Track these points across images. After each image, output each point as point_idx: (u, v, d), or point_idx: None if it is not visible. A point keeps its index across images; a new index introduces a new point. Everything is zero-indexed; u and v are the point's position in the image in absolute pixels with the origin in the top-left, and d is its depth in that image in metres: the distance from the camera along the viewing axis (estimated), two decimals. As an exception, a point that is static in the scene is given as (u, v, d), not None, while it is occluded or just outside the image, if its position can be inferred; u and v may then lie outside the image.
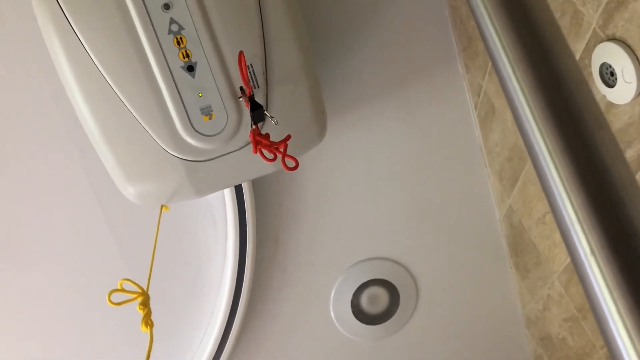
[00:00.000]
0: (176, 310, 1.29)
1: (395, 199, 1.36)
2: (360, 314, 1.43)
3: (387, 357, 1.49)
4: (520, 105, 0.38)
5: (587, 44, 0.79)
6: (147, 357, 0.74)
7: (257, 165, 0.89)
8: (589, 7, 0.77)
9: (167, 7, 0.79)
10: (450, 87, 1.30)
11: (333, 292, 1.40)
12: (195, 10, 0.80)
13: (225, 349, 1.31)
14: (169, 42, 0.80)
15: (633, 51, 0.71)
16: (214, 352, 1.29)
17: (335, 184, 1.33)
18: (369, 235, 1.38)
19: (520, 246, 1.31)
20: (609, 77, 0.77)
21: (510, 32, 0.40)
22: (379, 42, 1.23)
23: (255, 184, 1.23)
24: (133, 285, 0.80)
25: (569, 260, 1.07)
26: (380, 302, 1.43)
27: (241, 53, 0.78)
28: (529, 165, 1.11)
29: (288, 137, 0.77)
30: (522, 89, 0.38)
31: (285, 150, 0.76)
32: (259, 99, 0.83)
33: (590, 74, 0.80)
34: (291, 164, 0.75)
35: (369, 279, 1.41)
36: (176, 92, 0.82)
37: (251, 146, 0.79)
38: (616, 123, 0.79)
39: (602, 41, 0.76)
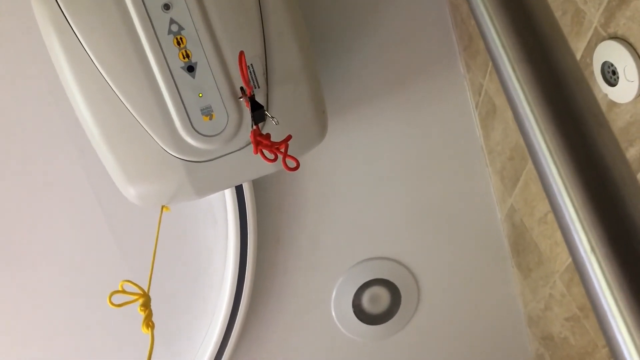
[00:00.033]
0: (177, 311, 1.29)
1: (396, 199, 1.36)
2: (361, 314, 1.43)
3: (389, 357, 1.49)
4: (521, 104, 0.38)
5: (588, 42, 0.79)
6: (149, 358, 0.74)
7: (258, 165, 0.89)
8: (590, 6, 0.77)
9: (167, 7, 0.79)
10: (451, 86, 1.30)
11: (334, 292, 1.40)
12: (195, 11, 0.80)
13: (226, 350, 1.31)
14: (169, 42, 0.80)
15: (635, 49, 0.70)
16: (215, 353, 1.29)
17: (336, 183, 1.32)
18: (370, 235, 1.38)
19: (521, 245, 1.31)
20: (610, 75, 0.76)
21: (510, 31, 0.40)
22: (379, 41, 1.23)
23: (256, 184, 1.23)
24: (134, 286, 0.80)
25: (570, 259, 1.07)
26: (381, 302, 1.43)
27: (242, 53, 0.77)
28: (530, 164, 1.10)
29: (289, 137, 0.77)
30: (522, 88, 0.38)
31: (286, 150, 0.76)
32: (260, 99, 0.83)
33: (592, 72, 0.80)
34: (292, 164, 0.75)
35: (370, 278, 1.41)
36: (176, 92, 0.82)
37: (251, 146, 0.79)
38: (618, 122, 0.79)
39: (603, 40, 0.76)
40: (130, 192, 0.89)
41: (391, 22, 1.22)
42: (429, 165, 1.35)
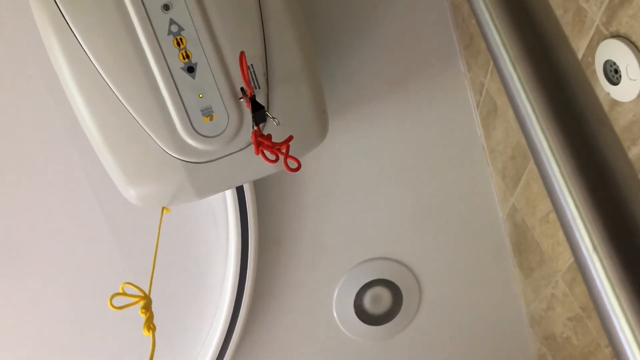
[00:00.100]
0: (178, 312, 1.29)
1: (397, 199, 1.36)
2: (363, 315, 1.43)
3: (391, 358, 1.48)
4: (522, 103, 0.38)
5: (590, 41, 0.79)
6: (150, 360, 0.74)
7: (259, 166, 0.89)
8: (592, 4, 0.77)
9: (166, 7, 0.79)
10: (452, 85, 1.29)
11: (336, 293, 1.40)
12: (195, 11, 0.79)
13: (227, 350, 1.30)
14: (168, 43, 0.80)
15: (637, 48, 0.70)
16: (217, 354, 1.29)
17: (337, 184, 1.32)
18: (371, 236, 1.38)
19: (523, 245, 1.30)
20: (613, 74, 0.76)
21: (511, 30, 0.39)
22: (379, 41, 1.23)
23: (257, 184, 1.22)
24: (135, 288, 0.80)
25: (573, 259, 1.06)
26: (383, 303, 1.43)
27: (242, 54, 0.77)
28: (532, 163, 1.10)
29: (290, 137, 0.77)
30: (523, 87, 0.38)
31: (287, 151, 0.75)
32: (260, 99, 0.83)
33: (594, 71, 0.79)
34: (293, 165, 0.74)
35: (372, 279, 1.41)
36: (176, 93, 0.81)
37: (252, 147, 0.79)
38: (621, 121, 0.78)
39: (605, 38, 0.75)
40: (130, 193, 0.89)
41: (392, 22, 1.22)
42: (429, 165, 1.35)
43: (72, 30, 0.78)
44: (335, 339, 1.44)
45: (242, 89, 0.82)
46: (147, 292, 0.81)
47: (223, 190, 1.00)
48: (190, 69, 0.81)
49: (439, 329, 1.48)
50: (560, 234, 1.09)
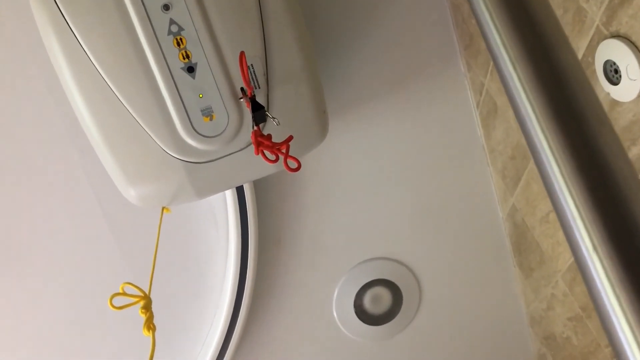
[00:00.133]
0: (178, 312, 1.29)
1: (397, 199, 1.36)
2: (363, 315, 1.42)
3: (391, 358, 1.48)
4: (522, 103, 0.38)
5: (590, 41, 0.79)
6: (150, 360, 0.74)
7: (259, 166, 0.89)
8: (592, 4, 0.76)
9: (166, 7, 0.79)
10: (452, 85, 1.29)
11: (336, 293, 1.40)
12: (195, 11, 0.79)
13: (227, 351, 1.30)
14: (168, 43, 0.80)
15: (638, 48, 0.70)
16: (217, 354, 1.29)
17: (337, 184, 1.32)
18: (371, 236, 1.38)
19: (523, 245, 1.30)
20: (613, 74, 0.76)
21: (511, 30, 0.39)
22: (379, 41, 1.23)
23: (257, 184, 1.22)
24: (135, 288, 0.80)
25: (573, 259, 1.06)
26: (383, 303, 1.43)
27: (242, 54, 0.77)
28: (532, 163, 1.10)
29: (290, 137, 0.77)
30: (523, 87, 0.38)
31: (287, 151, 0.75)
32: (260, 99, 0.83)
33: (594, 71, 0.79)
34: (293, 165, 0.74)
35: (372, 279, 1.41)
36: (176, 93, 0.81)
37: (252, 147, 0.79)
38: (620, 121, 0.78)
39: (605, 38, 0.75)
40: (130, 193, 0.89)
41: (392, 22, 1.22)
42: (429, 165, 1.35)
43: (72, 30, 0.78)
44: (335, 339, 1.44)
45: (242, 89, 0.82)
46: (147, 292, 0.81)
47: (223, 190, 1.00)
48: (190, 69, 0.81)
49: (439, 328, 1.48)
50: (560, 234, 1.09)
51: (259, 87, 0.84)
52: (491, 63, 1.12)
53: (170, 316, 1.28)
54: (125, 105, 0.81)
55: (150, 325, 0.76)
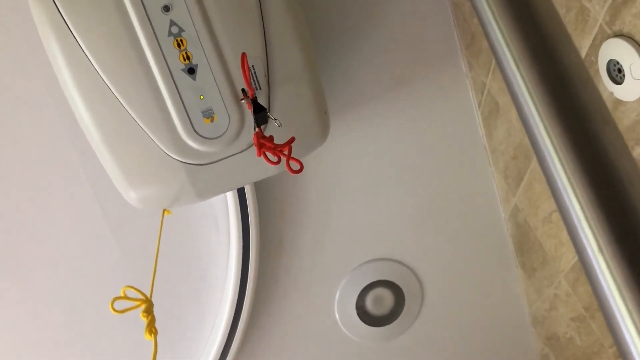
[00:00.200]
0: (179, 314, 1.29)
1: (399, 199, 1.36)
2: (365, 316, 1.42)
3: (393, 359, 1.48)
4: (526, 102, 0.38)
5: (593, 40, 0.79)
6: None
7: (260, 167, 0.88)
8: (595, 3, 0.76)
9: (166, 9, 0.79)
10: (453, 85, 1.29)
11: (337, 294, 1.40)
12: (196, 12, 0.79)
13: (229, 353, 1.30)
14: (169, 44, 0.80)
15: (642, 47, 0.70)
16: (219, 356, 1.29)
17: (338, 184, 1.32)
18: (373, 236, 1.38)
19: (526, 245, 1.30)
20: (616, 74, 0.76)
21: (514, 29, 0.39)
22: (379, 40, 1.23)
23: (258, 185, 1.22)
24: (136, 292, 0.79)
25: (576, 259, 1.06)
26: (385, 304, 1.42)
27: (244, 55, 0.77)
28: (534, 163, 1.10)
29: (292, 139, 0.77)
30: (527, 87, 0.38)
31: (289, 152, 0.75)
32: (261, 100, 0.83)
33: (597, 70, 0.79)
34: (296, 166, 0.74)
35: (374, 280, 1.40)
36: (177, 94, 0.81)
37: (253, 148, 0.78)
38: (624, 120, 0.78)
39: (609, 37, 0.75)
40: (131, 195, 0.89)
41: (392, 22, 1.22)
42: (431, 165, 1.34)
43: (71, 32, 0.78)
44: (337, 340, 1.43)
45: (243, 90, 0.82)
46: (148, 296, 0.80)
47: (224, 191, 0.99)
48: (191, 71, 0.81)
49: (442, 329, 1.48)
50: (563, 234, 1.08)
51: (260, 88, 0.84)
52: (493, 63, 1.12)
53: (172, 318, 1.28)
54: (126, 107, 0.81)
55: (152, 329, 0.76)
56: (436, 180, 1.35)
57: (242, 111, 0.83)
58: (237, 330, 1.28)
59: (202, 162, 0.86)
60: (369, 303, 1.42)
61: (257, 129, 0.77)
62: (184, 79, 0.81)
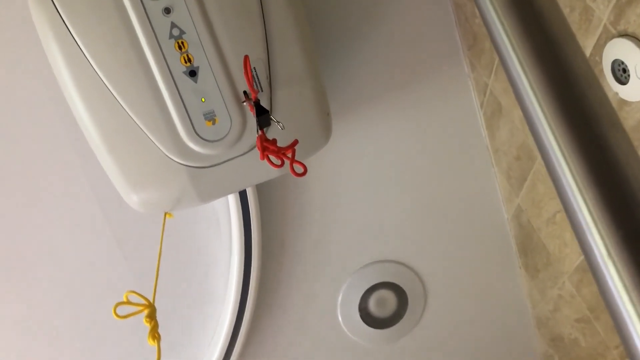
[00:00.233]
0: (181, 317, 1.28)
1: (401, 201, 1.35)
2: (368, 318, 1.42)
3: (396, 361, 1.48)
4: (531, 103, 0.38)
5: (597, 40, 0.78)
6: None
7: (262, 170, 0.88)
8: (599, 3, 0.76)
9: (167, 11, 0.78)
10: (456, 86, 1.29)
11: (340, 296, 1.39)
12: (197, 14, 0.79)
13: (232, 355, 1.30)
14: (170, 47, 0.79)
15: (647, 47, 0.69)
16: (222, 359, 1.28)
17: (340, 186, 1.31)
18: (375, 238, 1.37)
19: (529, 246, 1.29)
20: (621, 74, 0.75)
21: (518, 29, 0.39)
22: (381, 41, 1.22)
23: (259, 187, 1.22)
24: (139, 297, 0.79)
25: (580, 260, 1.06)
26: (388, 306, 1.42)
27: (247, 57, 0.76)
28: (537, 164, 1.09)
29: (295, 142, 0.76)
30: (531, 87, 0.38)
31: (293, 155, 0.74)
32: (263, 103, 0.82)
33: (602, 70, 0.78)
34: (300, 169, 0.73)
35: (377, 282, 1.40)
36: (178, 97, 0.81)
37: (255, 151, 0.78)
38: (629, 121, 0.77)
39: (613, 37, 0.75)
40: (132, 198, 0.88)
41: (393, 22, 1.21)
42: (433, 166, 1.34)
43: (72, 35, 0.78)
44: (340, 342, 1.43)
45: (244, 92, 0.82)
46: (151, 300, 0.80)
47: (226, 194, 0.99)
48: (192, 73, 0.80)
49: (445, 331, 1.47)
50: (567, 235, 1.08)
51: (262, 91, 0.83)
52: (495, 63, 1.12)
53: (174, 320, 1.27)
54: (127, 110, 0.81)
55: (155, 334, 0.75)
56: (439, 181, 1.35)
57: (244, 113, 0.83)
58: (240, 333, 1.28)
59: (204, 165, 0.85)
60: (372, 305, 1.41)
61: (260, 132, 0.76)
62: (185, 81, 0.80)
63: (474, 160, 1.35)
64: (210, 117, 0.82)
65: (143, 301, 0.78)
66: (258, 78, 0.83)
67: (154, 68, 0.79)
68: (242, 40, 0.81)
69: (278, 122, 0.80)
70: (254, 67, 0.82)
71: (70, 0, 0.77)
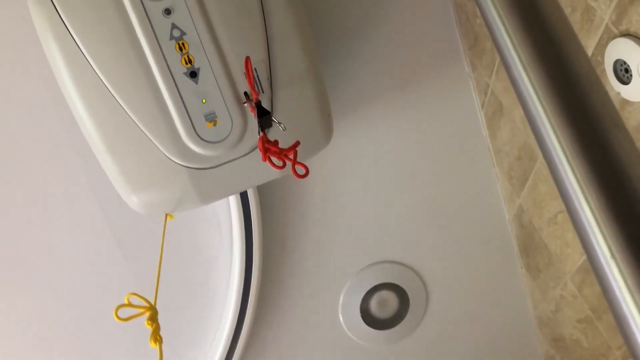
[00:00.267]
0: (183, 318, 1.28)
1: (402, 201, 1.35)
2: (369, 319, 1.41)
3: (398, 361, 1.47)
4: (532, 103, 0.37)
5: (599, 40, 0.78)
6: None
7: (263, 171, 0.88)
8: (601, 2, 0.75)
9: (168, 12, 0.78)
10: (456, 85, 1.28)
11: (342, 297, 1.39)
12: (197, 15, 0.79)
13: (234, 356, 1.29)
14: (170, 48, 0.79)
15: (649, 47, 0.69)
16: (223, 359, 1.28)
17: (341, 186, 1.31)
18: (377, 239, 1.37)
19: (531, 246, 1.29)
20: (623, 74, 0.75)
21: (520, 29, 0.39)
22: (381, 41, 1.22)
23: (260, 188, 1.21)
24: (140, 299, 0.79)
25: (582, 260, 1.05)
26: (389, 306, 1.42)
27: (248, 59, 0.76)
28: (539, 164, 1.09)
29: (297, 143, 0.76)
30: (533, 87, 0.37)
31: (295, 157, 0.74)
32: (264, 104, 0.82)
33: (604, 70, 0.78)
34: (301, 171, 0.73)
35: (378, 283, 1.39)
36: (179, 98, 0.80)
37: (257, 152, 0.78)
38: (632, 120, 0.77)
39: (615, 37, 0.74)
40: (133, 200, 0.88)
41: (394, 22, 1.21)
42: (434, 166, 1.34)
43: (72, 36, 0.78)
44: (341, 343, 1.43)
45: (245, 93, 0.82)
46: (152, 303, 0.79)
47: (227, 195, 0.99)
48: (193, 74, 0.80)
49: (446, 331, 1.47)
50: (569, 235, 1.07)
51: (263, 92, 0.83)
52: (496, 63, 1.11)
53: (175, 321, 1.27)
54: (127, 111, 0.80)
55: (157, 337, 0.75)
56: (440, 181, 1.35)
57: (245, 114, 0.82)
58: (241, 335, 1.27)
59: (205, 166, 0.85)
60: (374, 306, 1.41)
61: (261, 134, 0.76)
62: (186, 82, 0.80)
63: (475, 161, 1.35)
64: (211, 118, 0.82)
65: (144, 303, 0.78)
66: (259, 79, 0.82)
67: (154, 69, 0.79)
68: (243, 41, 0.81)
69: (279, 123, 0.80)
70: (255, 68, 0.81)
71: (69, 0, 0.77)
